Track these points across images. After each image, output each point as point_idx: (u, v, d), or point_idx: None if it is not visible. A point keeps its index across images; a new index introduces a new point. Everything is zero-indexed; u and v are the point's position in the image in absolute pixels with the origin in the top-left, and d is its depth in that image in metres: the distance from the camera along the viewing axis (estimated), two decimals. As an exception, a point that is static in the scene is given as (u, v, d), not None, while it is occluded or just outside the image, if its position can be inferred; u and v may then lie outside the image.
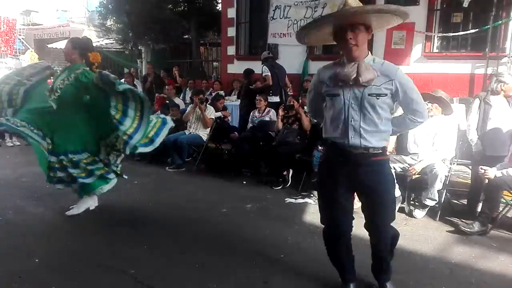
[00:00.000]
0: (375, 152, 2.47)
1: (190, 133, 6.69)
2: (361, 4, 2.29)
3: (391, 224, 2.73)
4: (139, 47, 13.05)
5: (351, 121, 2.43)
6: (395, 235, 2.82)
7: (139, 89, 9.89)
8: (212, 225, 4.17)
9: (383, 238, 2.74)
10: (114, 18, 13.34)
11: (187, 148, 6.69)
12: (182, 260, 3.35)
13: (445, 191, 4.37)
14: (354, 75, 2.34)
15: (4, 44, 17.75)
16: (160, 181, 5.89)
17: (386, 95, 2.42)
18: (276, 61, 8.73)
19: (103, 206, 4.67)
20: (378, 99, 2.41)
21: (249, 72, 8.20)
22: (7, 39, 17.91)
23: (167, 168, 6.56)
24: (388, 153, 2.62)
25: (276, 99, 7.11)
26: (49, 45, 17.69)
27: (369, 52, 2.45)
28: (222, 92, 8.65)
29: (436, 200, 4.31)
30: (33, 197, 4.88)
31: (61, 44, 16.89)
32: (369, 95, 2.40)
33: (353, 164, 2.49)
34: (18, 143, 8.66)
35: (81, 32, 19.60)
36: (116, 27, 13.72)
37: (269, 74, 7.18)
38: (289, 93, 7.73)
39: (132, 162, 7.08)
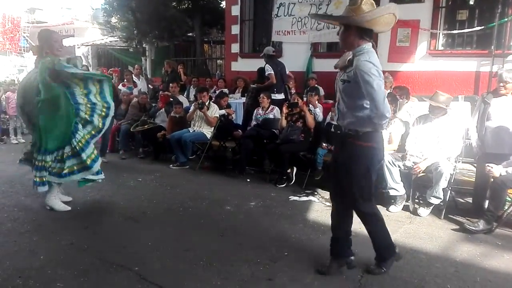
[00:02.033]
0: (349, 133, 2.80)
1: (194, 131, 6.69)
2: (367, 8, 2.61)
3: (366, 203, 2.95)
4: (144, 45, 13.05)
5: (337, 104, 2.93)
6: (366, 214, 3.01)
7: (141, 86, 9.90)
8: (216, 223, 4.17)
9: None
10: (118, 15, 13.36)
11: (191, 145, 6.70)
12: (187, 257, 3.36)
13: (450, 189, 4.35)
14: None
15: (9, 41, 17.82)
16: (164, 178, 5.90)
17: (349, 82, 2.71)
18: (280, 59, 8.72)
19: (108, 203, 4.69)
20: (343, 84, 2.78)
21: (263, 71, 8.15)
22: (11, 37, 17.97)
23: (171, 165, 6.58)
24: (371, 143, 2.77)
25: (281, 96, 7.10)
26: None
27: (362, 46, 2.68)
28: (226, 90, 8.64)
29: (441, 198, 4.29)
30: (37, 194, 4.87)
31: (66, 42, 16.94)
32: (340, 80, 2.81)
33: (338, 143, 2.94)
34: (23, 140, 8.71)
35: (85, 30, 19.66)
36: (120, 24, 13.74)
37: (273, 72, 7.17)
38: (292, 89, 7.70)
39: (136, 160, 7.12)
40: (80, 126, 4.19)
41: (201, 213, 4.47)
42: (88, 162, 4.25)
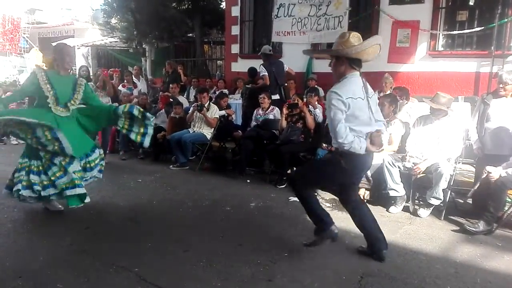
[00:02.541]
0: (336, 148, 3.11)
1: (194, 131, 6.69)
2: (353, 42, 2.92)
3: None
4: (144, 46, 13.05)
5: None
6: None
7: (141, 86, 9.90)
8: (216, 223, 4.17)
9: None
10: (118, 16, 13.36)
11: (191, 146, 6.70)
12: (187, 258, 3.36)
13: (450, 190, 4.35)
14: None
15: (9, 42, 17.82)
16: (164, 179, 5.90)
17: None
18: (281, 59, 8.72)
19: (108, 204, 4.70)
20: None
21: (253, 71, 8.19)
22: (11, 38, 17.98)
23: (171, 166, 6.58)
24: (342, 162, 3.03)
25: (276, 97, 7.11)
26: (54, 44, 17.73)
27: (348, 75, 2.99)
28: (226, 91, 8.65)
29: (441, 199, 4.29)
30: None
31: (66, 43, 16.96)
32: None
33: None
34: (23, 142, 8.70)
35: (85, 30, 19.66)
36: (120, 25, 13.74)
37: (266, 74, 7.18)
38: (291, 90, 7.70)
39: (136, 161, 7.12)
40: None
41: (201, 213, 4.47)
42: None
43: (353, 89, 2.91)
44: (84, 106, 4.40)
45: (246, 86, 7.96)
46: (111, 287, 2.94)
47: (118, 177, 5.87)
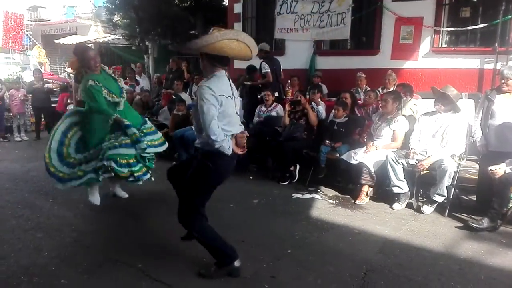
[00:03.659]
0: (199, 149, 2.95)
1: (197, 128, 6.68)
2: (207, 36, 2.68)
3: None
4: (146, 43, 13.02)
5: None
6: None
7: (144, 83, 9.89)
8: (219, 220, 4.11)
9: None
10: (121, 13, 13.33)
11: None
12: (189, 254, 3.36)
13: (453, 187, 4.34)
14: None
15: (12, 39, 17.85)
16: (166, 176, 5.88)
17: (195, 106, 2.86)
18: (283, 56, 8.70)
19: (111, 202, 4.70)
20: (193, 109, 2.93)
21: (252, 68, 8.18)
22: (14, 35, 18.01)
23: (174, 163, 6.55)
24: (209, 163, 2.85)
25: (275, 94, 7.09)
26: (56, 41, 17.74)
27: (214, 74, 2.81)
28: (228, 88, 8.61)
29: (444, 196, 4.28)
30: (41, 191, 4.91)
31: (68, 40, 16.96)
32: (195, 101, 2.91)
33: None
34: (27, 138, 8.74)
35: (88, 27, 19.68)
36: (123, 22, 13.70)
37: (269, 71, 7.16)
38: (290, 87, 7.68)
39: (139, 157, 7.10)
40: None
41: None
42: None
43: (224, 87, 2.78)
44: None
45: (245, 83, 7.93)
46: (115, 283, 2.95)
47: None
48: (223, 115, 2.76)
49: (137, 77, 9.88)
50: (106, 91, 4.14)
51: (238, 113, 2.97)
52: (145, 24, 11.96)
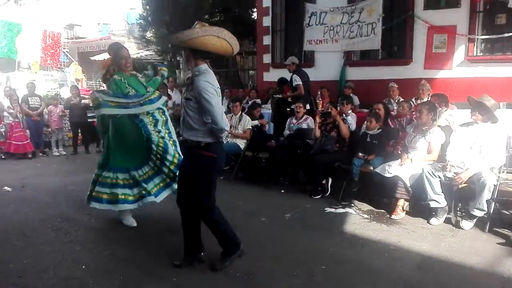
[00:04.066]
0: (192, 144, 3.09)
1: (228, 142, 6.73)
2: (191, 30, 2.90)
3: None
4: (178, 58, 13.31)
5: (182, 118, 3.15)
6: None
7: (176, 98, 10.06)
8: (252, 234, 4.15)
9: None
10: (153, 30, 13.69)
11: (225, 156, 6.72)
12: (224, 270, 3.36)
13: (494, 201, 4.17)
14: None
15: (50, 57, 18.59)
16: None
17: (191, 99, 3.01)
18: (312, 68, 8.69)
19: (146, 214, 4.76)
20: (186, 102, 3.07)
21: (282, 81, 8.20)
22: (52, 53, 18.73)
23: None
24: (212, 153, 3.09)
25: (307, 106, 7.07)
26: (92, 58, 18.38)
27: (199, 67, 3.00)
28: (258, 100, 8.68)
29: (484, 211, 4.11)
30: (79, 205, 5.04)
31: (103, 57, 17.51)
32: (184, 98, 3.10)
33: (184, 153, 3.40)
34: (64, 153, 9.04)
35: (122, 44, 20.26)
36: (155, 38, 14.07)
37: (301, 83, 7.15)
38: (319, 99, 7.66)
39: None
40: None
41: (235, 224, 4.36)
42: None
43: (215, 80, 3.02)
44: None
45: (274, 95, 7.96)
46: (151, 297, 2.99)
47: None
48: None
49: (169, 91, 10.08)
50: (133, 91, 4.14)
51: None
52: (177, 39, 12.24)
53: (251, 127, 6.69)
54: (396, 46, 8.12)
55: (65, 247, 3.83)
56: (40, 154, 8.94)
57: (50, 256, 3.65)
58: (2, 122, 8.64)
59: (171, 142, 4.23)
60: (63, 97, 11.56)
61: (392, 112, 5.95)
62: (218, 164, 3.23)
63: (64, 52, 20.23)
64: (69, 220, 4.55)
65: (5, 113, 8.74)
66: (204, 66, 3.01)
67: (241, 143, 6.64)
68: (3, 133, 8.61)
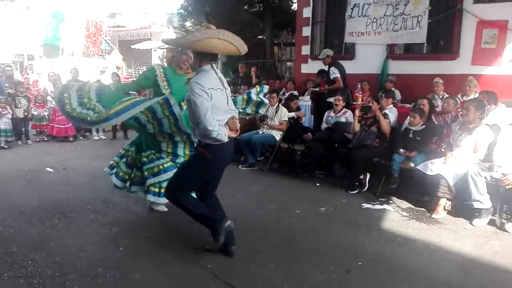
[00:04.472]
0: (199, 141, 3.16)
1: (264, 132, 6.71)
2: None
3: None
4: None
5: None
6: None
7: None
8: (286, 226, 4.12)
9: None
10: (193, 19, 13.79)
11: (261, 147, 6.71)
12: (257, 259, 3.34)
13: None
14: None
15: (92, 44, 19.12)
16: (233, 179, 5.91)
17: (189, 100, 3.03)
18: (353, 60, 8.49)
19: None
20: (187, 102, 3.17)
21: (322, 73, 8.05)
22: (94, 40, 19.27)
23: (240, 166, 6.62)
24: (208, 154, 3.08)
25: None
26: (132, 46, 18.77)
27: (202, 68, 3.07)
28: (296, 92, 8.57)
29: (533, 214, 3.90)
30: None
31: (143, 45, 17.87)
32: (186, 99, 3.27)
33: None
34: (104, 137, 9.27)
35: (161, 33, 20.60)
36: (194, 28, 14.18)
37: (339, 76, 6.97)
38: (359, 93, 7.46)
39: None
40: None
41: (270, 215, 4.44)
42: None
43: (212, 81, 2.99)
44: None
45: (313, 89, 7.82)
46: (186, 281, 3.01)
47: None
48: (214, 107, 2.96)
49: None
50: (166, 84, 4.12)
51: (228, 103, 3.17)
52: (216, 29, 12.29)
53: (287, 119, 6.62)
54: (442, 40, 7.77)
55: (103, 229, 3.92)
56: (81, 137, 9.20)
57: (89, 237, 3.74)
58: (46, 106, 8.94)
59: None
60: (104, 83, 11.83)
61: (436, 108, 5.72)
62: (210, 166, 3.17)
63: (106, 40, 20.76)
64: (107, 203, 4.65)
65: (49, 98, 9.04)
66: (206, 67, 3.06)
67: (277, 135, 6.59)
68: (47, 116, 8.91)
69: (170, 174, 3.94)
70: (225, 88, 3.14)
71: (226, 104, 3.12)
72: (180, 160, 4.14)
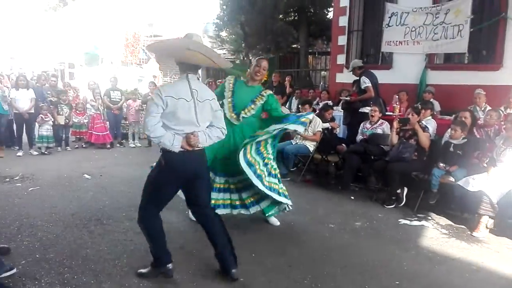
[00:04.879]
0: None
1: (297, 143, 6.64)
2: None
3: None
4: (250, 57, 13.46)
5: None
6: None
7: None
8: (319, 240, 4.03)
9: None
10: (228, 29, 13.93)
11: (293, 158, 6.64)
12: (291, 274, 3.28)
13: None
14: None
15: (130, 54, 19.72)
16: (266, 189, 5.89)
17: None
18: (390, 70, 8.32)
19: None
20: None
21: (357, 82, 7.90)
22: (132, 50, 19.88)
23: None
24: (162, 161, 3.02)
25: None
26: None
27: (182, 75, 3.03)
28: (330, 102, 8.46)
29: None
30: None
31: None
32: None
33: None
34: (140, 145, 9.47)
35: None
36: (230, 38, 14.32)
37: (370, 85, 6.79)
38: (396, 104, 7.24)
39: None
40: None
41: (303, 228, 4.36)
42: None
43: (177, 90, 2.90)
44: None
45: (344, 98, 7.67)
46: (218, 295, 2.98)
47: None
48: (172, 115, 2.87)
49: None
50: (230, 94, 4.17)
51: (197, 115, 2.97)
52: (251, 39, 12.37)
53: (321, 130, 6.53)
54: (484, 49, 7.49)
55: (138, 237, 3.92)
56: (118, 145, 9.43)
57: (124, 245, 3.79)
58: (86, 114, 9.24)
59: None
60: (140, 92, 12.13)
61: (478, 121, 5.49)
62: (163, 174, 3.02)
63: (143, 50, 21.32)
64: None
65: (88, 105, 9.35)
66: (182, 76, 3.03)
67: (311, 145, 6.50)
68: (86, 124, 9.21)
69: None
70: (198, 101, 2.95)
71: (193, 116, 2.94)
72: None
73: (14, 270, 3.12)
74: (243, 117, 4.13)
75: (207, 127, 3.07)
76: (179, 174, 3.02)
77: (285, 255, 3.64)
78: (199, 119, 2.97)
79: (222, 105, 4.05)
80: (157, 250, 3.15)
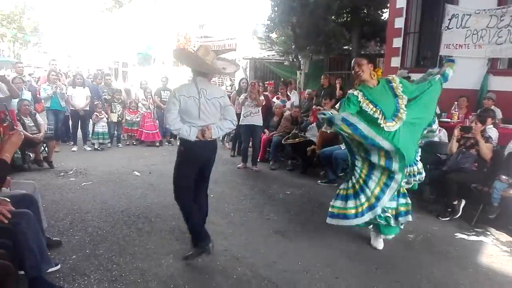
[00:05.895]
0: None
1: (345, 148, 6.42)
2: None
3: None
4: (300, 59, 13.28)
5: None
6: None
7: (294, 99, 10.01)
8: (370, 253, 3.84)
9: None
10: (279, 30, 13.81)
11: (342, 163, 6.44)
12: (338, 286, 3.14)
13: None
14: None
15: (181, 54, 20.11)
16: (312, 194, 5.76)
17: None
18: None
19: (259, 214, 4.76)
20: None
21: None
22: (184, 50, 20.27)
23: (319, 181, 6.43)
24: (181, 146, 3.59)
25: None
26: (218, 56, 19.33)
27: (195, 77, 3.57)
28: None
29: None
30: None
31: (228, 56, 18.31)
32: None
33: None
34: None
35: (246, 44, 21.05)
36: (279, 39, 14.20)
37: None
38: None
39: (285, 172, 7.17)
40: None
41: (352, 238, 4.18)
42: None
43: (188, 90, 3.44)
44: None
45: None
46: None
47: (268, 187, 5.98)
48: (184, 110, 3.42)
49: (288, 92, 10.09)
50: (370, 106, 3.64)
51: (204, 112, 3.46)
52: (301, 40, 12.17)
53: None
54: (554, 54, 6.92)
55: (183, 237, 3.95)
56: (166, 143, 9.62)
57: (170, 244, 3.82)
58: (138, 112, 9.49)
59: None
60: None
61: (546, 131, 5.06)
62: (185, 157, 3.50)
63: (193, 50, 21.69)
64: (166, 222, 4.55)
65: (139, 104, 9.59)
66: (192, 78, 3.60)
67: (361, 151, 6.27)
68: (138, 122, 9.46)
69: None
70: (206, 99, 3.44)
71: (199, 112, 3.43)
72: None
73: (59, 266, 3.19)
74: (403, 116, 3.61)
75: (220, 120, 3.57)
76: (195, 158, 3.53)
77: (332, 265, 3.50)
78: (204, 114, 3.46)
79: (369, 121, 3.57)
80: (194, 226, 3.53)
